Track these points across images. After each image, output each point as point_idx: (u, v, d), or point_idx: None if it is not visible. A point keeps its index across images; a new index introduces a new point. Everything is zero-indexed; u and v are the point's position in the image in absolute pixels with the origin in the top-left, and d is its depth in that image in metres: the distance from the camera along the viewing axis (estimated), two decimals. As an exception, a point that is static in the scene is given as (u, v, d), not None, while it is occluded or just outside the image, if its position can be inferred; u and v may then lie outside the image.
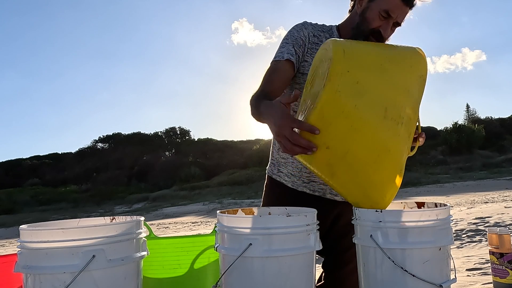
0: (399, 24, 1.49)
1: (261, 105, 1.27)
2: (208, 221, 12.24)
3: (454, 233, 5.37)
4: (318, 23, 1.62)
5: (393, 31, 1.50)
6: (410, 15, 1.50)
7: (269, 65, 1.52)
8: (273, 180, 1.69)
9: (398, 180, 1.22)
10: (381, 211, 1.11)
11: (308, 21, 1.60)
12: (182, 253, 1.33)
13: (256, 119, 1.37)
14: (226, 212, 1.21)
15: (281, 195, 1.64)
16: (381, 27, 1.45)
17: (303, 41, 1.53)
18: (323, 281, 1.73)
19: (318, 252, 1.45)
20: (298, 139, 1.08)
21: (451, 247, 1.17)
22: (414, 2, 1.46)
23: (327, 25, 1.63)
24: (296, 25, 1.57)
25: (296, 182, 1.62)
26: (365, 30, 1.47)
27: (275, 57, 1.52)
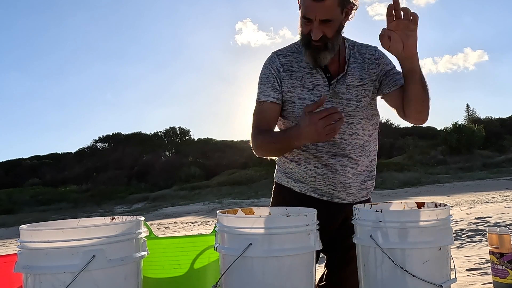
0: (328, 20, 1.49)
1: (284, 136, 1.56)
2: (208, 221, 12.23)
3: (454, 233, 5.37)
4: (287, 45, 1.70)
5: (328, 27, 1.51)
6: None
7: (255, 103, 1.68)
8: (282, 186, 1.74)
9: None
10: (381, 211, 1.12)
11: (275, 50, 1.70)
12: (182, 253, 1.33)
13: (279, 151, 1.66)
14: (226, 212, 1.22)
15: (289, 199, 1.68)
16: (311, 32, 1.53)
17: (274, 77, 1.64)
18: (324, 282, 1.73)
19: (322, 251, 1.46)
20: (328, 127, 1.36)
21: (451, 247, 1.17)
22: None
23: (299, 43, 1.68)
24: (264, 63, 1.69)
25: (304, 187, 1.67)
26: (302, 40, 1.59)
27: (258, 98, 1.66)
